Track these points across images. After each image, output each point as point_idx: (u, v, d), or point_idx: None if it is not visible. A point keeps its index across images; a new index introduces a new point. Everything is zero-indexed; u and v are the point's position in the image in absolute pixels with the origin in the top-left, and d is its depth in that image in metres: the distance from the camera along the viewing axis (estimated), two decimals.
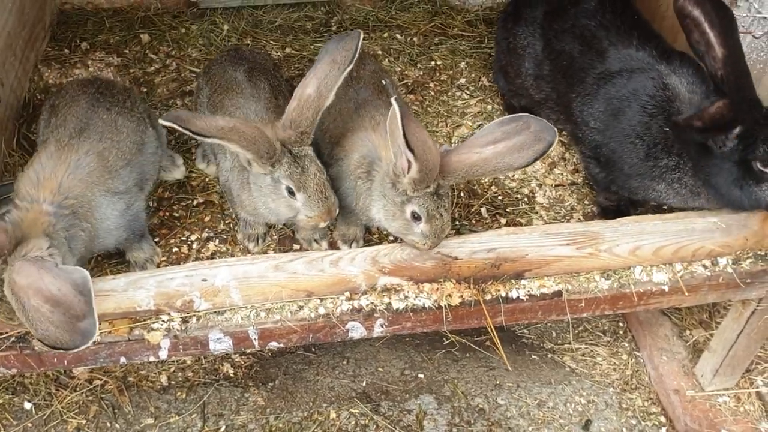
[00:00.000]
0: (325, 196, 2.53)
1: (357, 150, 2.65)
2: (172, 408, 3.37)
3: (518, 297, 2.67)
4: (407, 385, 3.48)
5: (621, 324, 3.73)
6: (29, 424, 3.26)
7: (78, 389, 3.37)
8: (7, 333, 2.49)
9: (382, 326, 2.67)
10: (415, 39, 3.75)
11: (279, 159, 2.45)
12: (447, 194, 2.47)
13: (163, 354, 2.62)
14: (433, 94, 3.46)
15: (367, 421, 3.32)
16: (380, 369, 3.54)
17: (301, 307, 2.62)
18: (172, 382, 3.47)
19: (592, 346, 3.64)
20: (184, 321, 2.57)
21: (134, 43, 3.64)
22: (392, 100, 2.29)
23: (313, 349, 3.62)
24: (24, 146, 3.06)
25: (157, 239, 2.80)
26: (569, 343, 3.66)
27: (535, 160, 2.39)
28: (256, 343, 2.65)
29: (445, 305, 2.62)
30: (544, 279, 2.70)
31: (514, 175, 3.10)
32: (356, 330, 2.68)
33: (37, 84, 3.35)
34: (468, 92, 3.47)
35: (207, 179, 3.04)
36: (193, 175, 3.06)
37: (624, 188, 2.81)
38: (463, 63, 3.61)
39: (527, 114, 2.51)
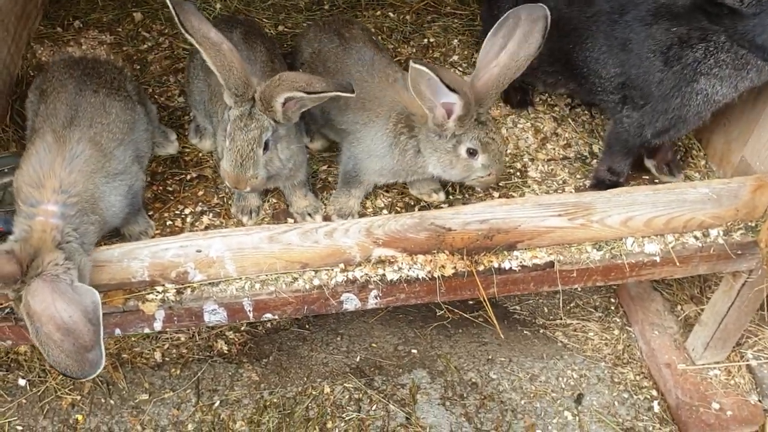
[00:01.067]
0: (242, 164, 2.42)
1: (389, 109, 2.67)
2: (167, 384, 3.39)
3: (511, 268, 2.70)
4: (401, 360, 3.50)
5: (612, 300, 3.76)
6: (23, 401, 3.27)
7: None
8: (1, 304, 2.50)
9: (376, 297, 2.69)
10: (407, 17, 3.75)
11: (238, 105, 2.40)
12: (489, 119, 2.55)
13: (158, 325, 2.63)
14: None
15: (360, 395, 3.34)
16: (374, 345, 3.56)
17: (295, 279, 2.63)
18: (166, 359, 3.48)
19: (584, 321, 3.67)
20: (179, 292, 2.58)
21: (127, 21, 3.62)
22: (411, 62, 2.35)
23: (307, 326, 3.63)
24: (17, 122, 3.06)
25: (150, 213, 2.80)
26: (561, 319, 3.69)
27: (543, 37, 2.51)
28: (250, 314, 2.67)
29: (438, 276, 2.64)
30: (536, 250, 2.73)
31: (506, 150, 3.12)
32: (350, 302, 2.70)
33: (30, 61, 3.34)
34: (461, 69, 3.47)
35: (200, 154, 3.04)
36: (186, 150, 3.06)
37: (669, 116, 2.73)
38: (455, 40, 3.61)
39: (512, 9, 2.59)
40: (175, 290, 2.57)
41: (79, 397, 3.31)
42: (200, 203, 2.87)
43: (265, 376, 3.42)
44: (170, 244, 2.49)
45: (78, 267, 2.20)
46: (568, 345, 3.59)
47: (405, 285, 2.65)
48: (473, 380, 3.43)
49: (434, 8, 3.81)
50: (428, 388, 3.38)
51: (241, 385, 3.38)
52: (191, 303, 2.58)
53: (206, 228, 2.80)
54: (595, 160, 3.10)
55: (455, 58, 3.54)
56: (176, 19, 2.35)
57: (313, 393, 3.35)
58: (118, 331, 2.63)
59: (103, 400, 3.32)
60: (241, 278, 2.61)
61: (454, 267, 2.65)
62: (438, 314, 3.65)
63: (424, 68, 2.31)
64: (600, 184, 2.98)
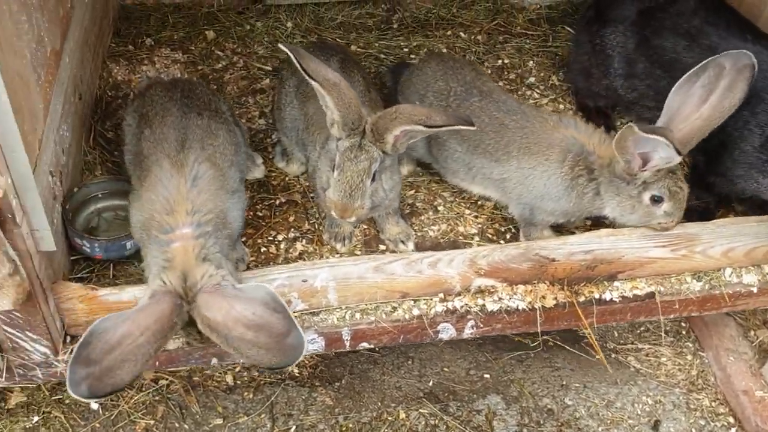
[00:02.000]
0: (351, 194, 2.41)
1: (562, 152, 2.66)
2: (240, 408, 3.34)
3: (611, 299, 2.68)
4: (474, 385, 3.47)
5: (683, 324, 3.73)
6: (97, 425, 3.22)
7: (144, 389, 3.33)
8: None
9: (472, 328, 2.67)
10: (479, 37, 3.74)
11: (349, 137, 2.38)
12: (678, 167, 2.55)
13: None
14: None
15: (436, 421, 3.31)
16: (445, 369, 3.53)
17: (395, 308, 2.61)
18: (238, 382, 3.44)
19: (656, 346, 3.65)
20: None
21: (199, 39, 3.60)
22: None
23: (377, 349, 3.60)
24: (100, 143, 3.02)
25: (243, 239, 2.77)
26: (632, 343, 3.66)
27: (749, 86, 2.50)
28: (347, 343, 2.64)
29: (539, 307, 2.61)
30: (636, 281, 2.71)
31: None
32: (446, 331, 2.67)
33: (107, 80, 3.31)
34: (539, 91, 3.46)
35: (287, 178, 3.02)
36: (273, 174, 3.03)
37: (725, 176, 2.78)
38: (531, 62, 3.60)
39: (712, 58, 2.57)
40: None
41: (153, 422, 3.26)
42: (292, 229, 2.84)
43: (338, 400, 3.38)
44: (278, 274, 2.46)
45: (231, 273, 2.16)
46: (641, 370, 3.56)
47: (504, 315, 2.62)
48: (549, 406, 3.40)
49: (505, 29, 3.79)
50: (504, 415, 3.35)
51: (315, 410, 3.34)
52: None
53: (300, 254, 2.77)
54: None
55: (532, 80, 3.52)
56: (298, 66, 2.34)
57: (389, 419, 3.31)
58: (214, 361, 2.59)
59: (177, 425, 3.27)
60: (341, 308, 2.58)
61: (555, 297, 2.63)
62: (515, 339, 3.61)
63: (659, 137, 2.33)
64: (690, 213, 2.96)
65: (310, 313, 2.56)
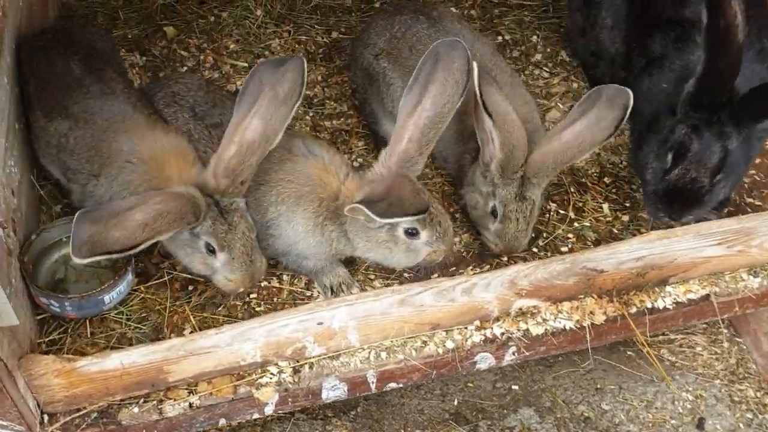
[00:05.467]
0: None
1: None
2: None
3: (664, 306, 2.37)
4: (502, 399, 3.16)
5: None
6: None
7: None
8: (86, 409, 2.07)
9: (513, 354, 2.35)
10: (473, 12, 3.35)
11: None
12: (533, 202, 2.32)
13: (269, 409, 2.25)
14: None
15: None
16: (469, 384, 3.21)
17: (425, 343, 2.27)
18: (242, 422, 3.07)
19: (689, 335, 3.38)
20: (296, 371, 2.19)
21: (157, 37, 3.13)
22: (473, 62, 2.19)
23: None
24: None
25: None
26: (663, 334, 3.39)
27: (616, 128, 2.25)
28: (373, 386, 2.30)
29: (588, 325, 2.30)
30: (689, 283, 2.41)
31: (621, 162, 2.77)
32: (484, 361, 2.35)
33: None
34: (547, 69, 3.10)
35: None
36: None
37: None
38: (534, 37, 3.22)
39: (598, 87, 2.34)
40: (291, 369, 2.18)
41: None
42: None
43: (357, 431, 3.05)
44: (289, 320, 2.10)
45: None
46: (677, 363, 3.29)
47: (550, 338, 2.30)
48: (585, 414, 3.12)
49: (500, 0, 3.40)
50: (540, 429, 3.06)
51: None
52: (310, 381, 2.19)
53: (306, 284, 2.39)
54: None
55: (538, 57, 3.17)
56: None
57: None
58: (222, 421, 2.22)
59: None
60: (363, 348, 2.23)
61: (604, 312, 2.32)
62: None
63: (474, 69, 2.20)
64: None
65: (329, 357, 2.21)
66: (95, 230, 1.91)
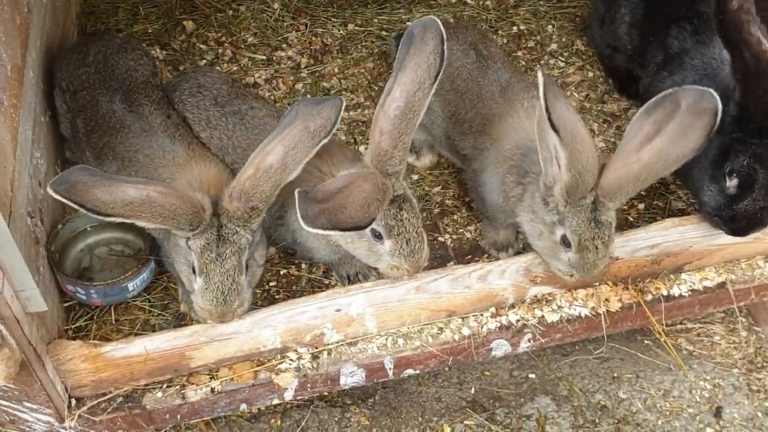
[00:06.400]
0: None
1: (507, 138, 2.26)
2: None
3: (680, 294, 2.39)
4: (519, 387, 3.19)
5: None
6: None
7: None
8: (112, 393, 2.14)
9: (529, 341, 2.37)
10: (488, 2, 3.36)
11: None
12: (609, 224, 2.06)
13: (289, 395, 2.30)
14: (524, 63, 3.09)
15: None
16: (486, 373, 3.24)
17: (441, 329, 2.30)
18: (261, 408, 3.13)
19: (707, 324, 3.38)
20: (314, 357, 2.23)
21: (177, 32, 3.19)
22: (538, 72, 1.94)
23: None
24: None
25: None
26: (681, 323, 3.39)
27: (707, 137, 2.01)
28: (390, 372, 2.35)
29: (603, 312, 2.32)
30: (705, 271, 2.42)
31: None
32: (500, 348, 2.38)
33: None
34: (563, 59, 3.11)
35: None
36: None
37: None
38: (549, 26, 3.23)
39: (671, 90, 2.09)
40: (310, 356, 2.22)
41: None
42: None
43: (375, 419, 3.09)
44: (307, 306, 2.14)
45: None
46: (695, 352, 3.29)
47: (565, 324, 2.32)
48: (602, 403, 3.13)
49: None
50: (557, 417, 3.08)
51: None
52: (328, 367, 2.24)
53: (324, 272, 2.43)
54: None
55: (554, 47, 3.18)
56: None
57: None
58: (243, 406, 2.28)
59: None
60: (380, 334, 2.27)
61: (620, 299, 2.34)
62: None
63: (540, 80, 1.91)
64: None
65: (347, 343, 2.25)
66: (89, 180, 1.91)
